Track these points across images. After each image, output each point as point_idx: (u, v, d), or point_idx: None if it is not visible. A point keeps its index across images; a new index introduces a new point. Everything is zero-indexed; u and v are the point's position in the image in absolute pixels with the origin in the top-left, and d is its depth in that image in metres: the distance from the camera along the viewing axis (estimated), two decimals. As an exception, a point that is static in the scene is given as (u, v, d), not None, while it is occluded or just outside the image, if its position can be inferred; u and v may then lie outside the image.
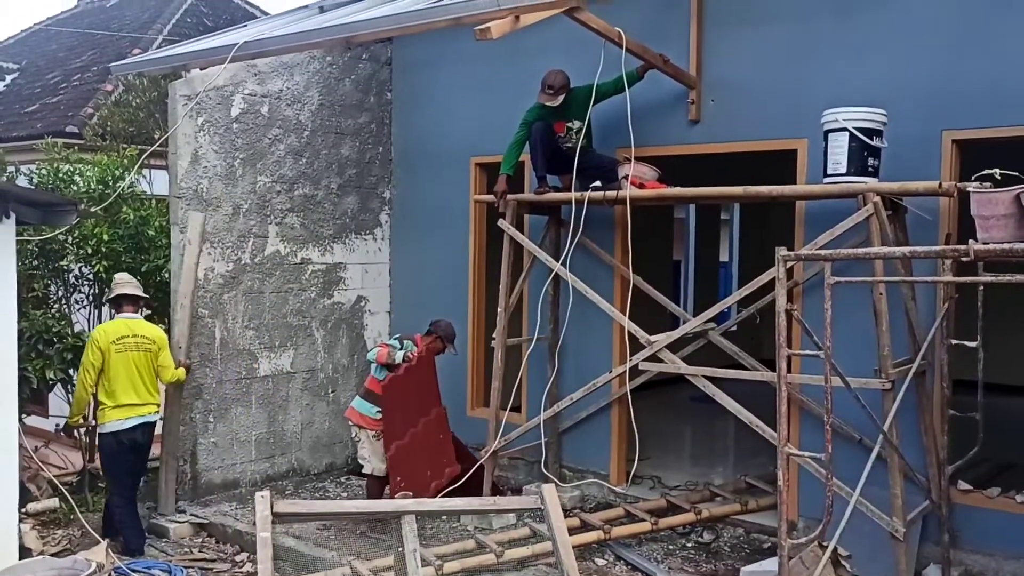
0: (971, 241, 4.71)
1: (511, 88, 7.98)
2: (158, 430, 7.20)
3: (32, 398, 7.70)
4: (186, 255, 7.55)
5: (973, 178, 4.98)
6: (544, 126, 7.06)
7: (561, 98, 6.92)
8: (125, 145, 9.41)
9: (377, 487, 7.25)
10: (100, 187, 8.21)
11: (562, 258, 7.15)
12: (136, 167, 8.34)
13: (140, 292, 6.99)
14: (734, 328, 7.88)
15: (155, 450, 7.36)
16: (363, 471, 7.34)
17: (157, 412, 6.92)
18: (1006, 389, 8.84)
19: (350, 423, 7.38)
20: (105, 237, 7.90)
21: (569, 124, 7.09)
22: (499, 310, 7.35)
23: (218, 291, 7.87)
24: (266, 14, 14.07)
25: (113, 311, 7.08)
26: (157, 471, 7.68)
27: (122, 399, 6.65)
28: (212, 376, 7.86)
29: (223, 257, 7.90)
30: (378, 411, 7.10)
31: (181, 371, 7.21)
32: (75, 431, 7.61)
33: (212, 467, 7.90)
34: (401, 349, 7.16)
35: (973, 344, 5.65)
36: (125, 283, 6.95)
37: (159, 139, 8.16)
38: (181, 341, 7.48)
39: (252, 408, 8.18)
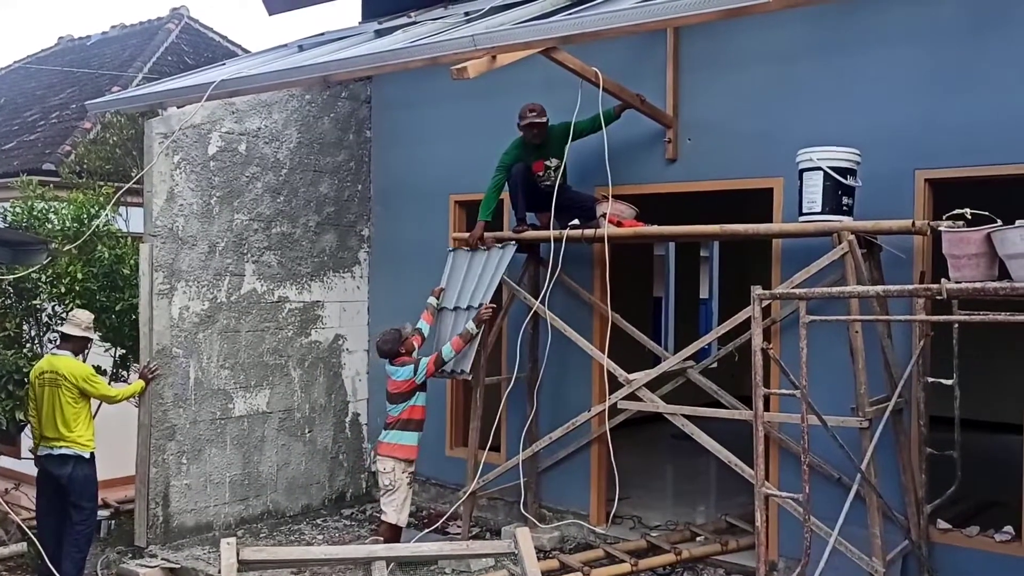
0: (944, 280, 4.74)
1: (490, 126, 8.00)
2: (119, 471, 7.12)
3: (2, 439, 7.58)
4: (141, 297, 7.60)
5: (944, 217, 5.01)
6: (523, 168, 7.06)
7: (546, 119, 6.93)
8: (102, 183, 9.32)
9: (396, 538, 6.70)
10: (75, 225, 8.13)
11: (541, 296, 7.13)
12: (111, 205, 8.28)
13: (78, 333, 6.92)
14: (714, 366, 7.86)
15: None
16: (384, 518, 6.71)
17: (70, 448, 6.75)
18: (984, 426, 8.83)
19: (395, 460, 6.64)
20: (79, 275, 7.82)
21: (547, 162, 7.09)
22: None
23: (193, 330, 7.78)
24: (248, 52, 14.07)
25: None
26: (131, 515, 7.56)
27: (43, 431, 6.83)
28: (186, 416, 7.74)
29: (198, 296, 7.83)
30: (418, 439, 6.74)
31: (132, 387, 7.29)
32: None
33: (185, 510, 7.75)
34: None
35: (949, 382, 5.65)
36: (68, 321, 7.07)
37: (136, 177, 8.12)
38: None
39: (227, 449, 8.06)
